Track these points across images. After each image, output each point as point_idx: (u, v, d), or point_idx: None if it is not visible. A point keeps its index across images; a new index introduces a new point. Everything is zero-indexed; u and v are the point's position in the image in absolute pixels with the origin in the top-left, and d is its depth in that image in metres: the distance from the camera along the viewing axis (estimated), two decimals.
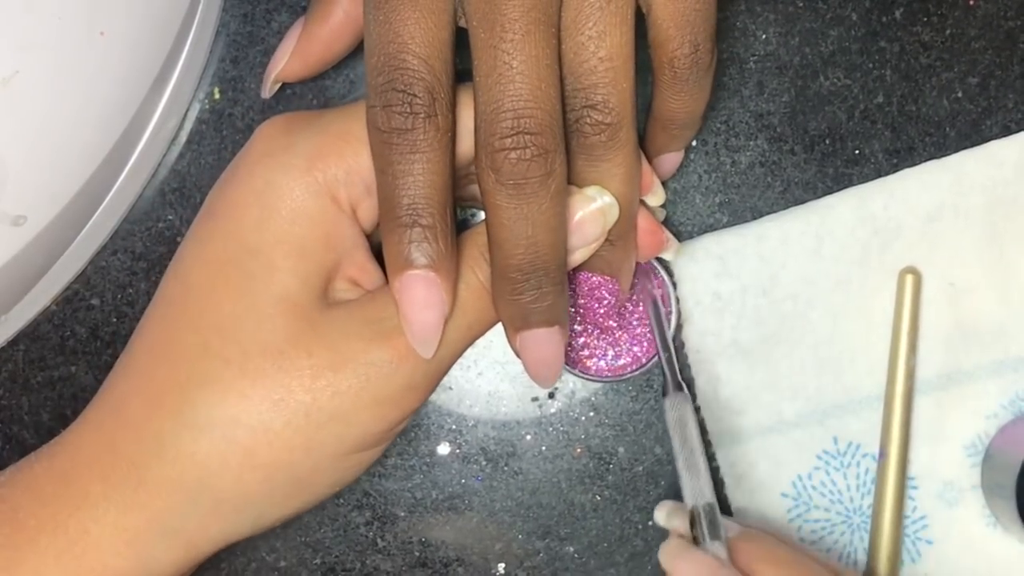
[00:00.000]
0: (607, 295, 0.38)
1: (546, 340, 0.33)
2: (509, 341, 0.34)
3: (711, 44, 0.33)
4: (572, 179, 0.33)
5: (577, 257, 0.34)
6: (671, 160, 0.39)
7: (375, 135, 0.31)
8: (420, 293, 0.32)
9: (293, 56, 0.36)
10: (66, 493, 0.32)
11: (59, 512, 0.32)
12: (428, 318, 0.32)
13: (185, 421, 0.32)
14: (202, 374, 0.32)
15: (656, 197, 0.36)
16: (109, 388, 0.34)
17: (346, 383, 0.32)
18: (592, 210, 0.33)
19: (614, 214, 0.34)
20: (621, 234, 0.35)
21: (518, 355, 0.34)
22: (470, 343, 0.35)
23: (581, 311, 0.40)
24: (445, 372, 0.34)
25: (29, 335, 0.41)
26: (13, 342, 0.41)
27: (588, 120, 0.32)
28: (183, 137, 0.42)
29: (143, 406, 0.33)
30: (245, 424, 0.32)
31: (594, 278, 0.37)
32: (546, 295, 0.33)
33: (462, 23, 0.32)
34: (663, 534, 0.42)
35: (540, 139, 0.31)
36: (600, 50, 0.32)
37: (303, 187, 0.33)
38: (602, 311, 0.40)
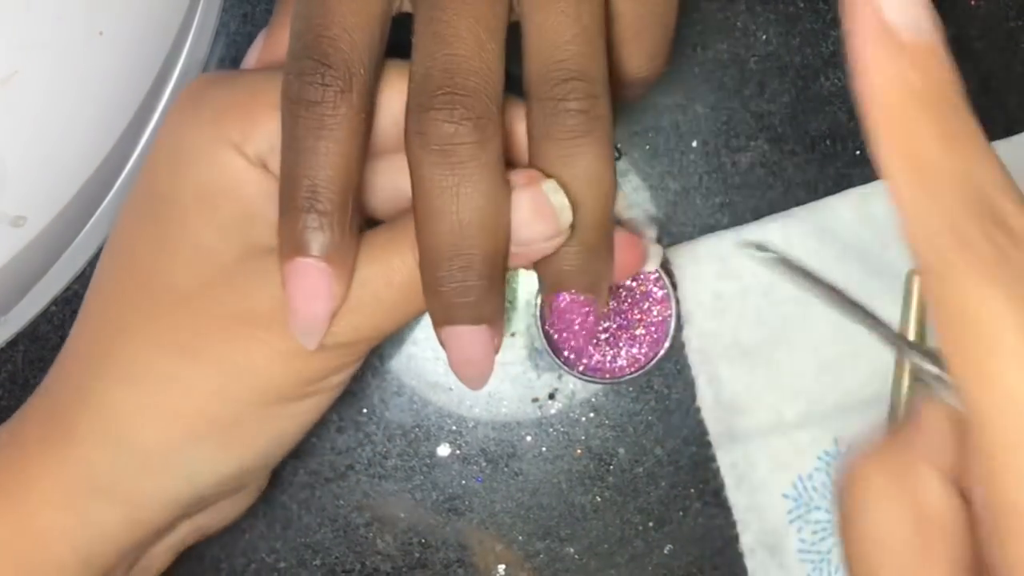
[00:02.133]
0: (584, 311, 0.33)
1: (470, 339, 0.30)
2: (436, 337, 0.31)
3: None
4: (543, 168, 0.30)
5: (519, 259, 0.31)
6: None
7: (285, 104, 0.29)
8: (308, 283, 0.30)
9: (259, 64, 0.35)
10: (12, 457, 0.32)
11: (6, 477, 0.32)
12: (313, 310, 0.30)
13: (106, 372, 0.32)
14: (118, 323, 0.32)
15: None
16: (61, 351, 0.34)
17: (257, 335, 0.31)
18: (544, 202, 0.30)
19: (567, 218, 0.30)
20: (596, 241, 0.31)
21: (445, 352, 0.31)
22: (373, 336, 0.32)
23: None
24: (364, 345, 0.32)
25: (29, 336, 0.41)
26: (13, 343, 0.41)
27: (574, 93, 0.29)
28: None
29: (75, 361, 0.33)
30: (159, 373, 0.31)
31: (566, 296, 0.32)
32: (471, 289, 0.29)
33: (407, 8, 0.30)
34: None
35: (473, 101, 0.28)
36: (577, 23, 0.29)
37: (209, 139, 0.31)
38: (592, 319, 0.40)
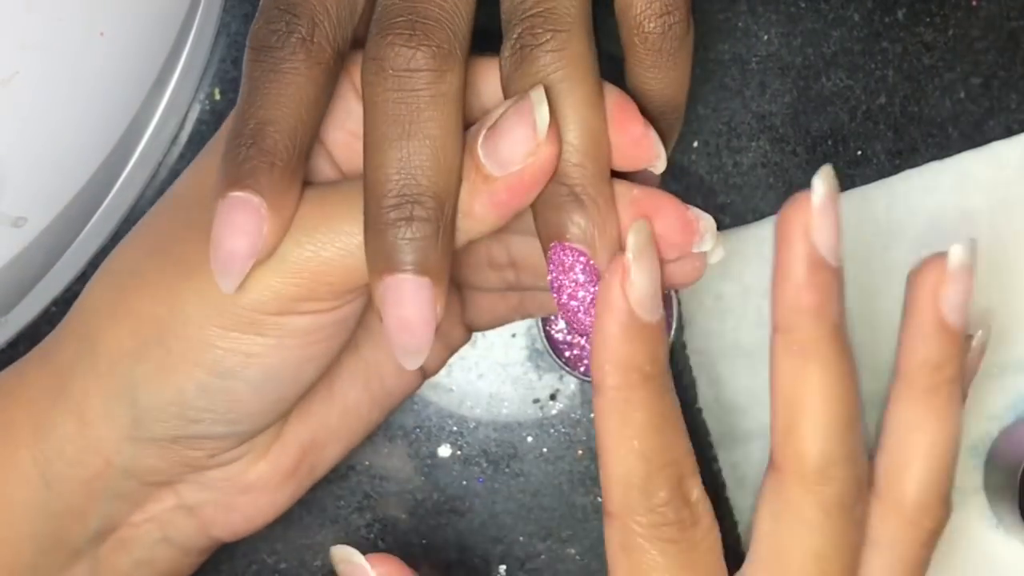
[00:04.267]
0: (582, 276, 0.29)
1: (411, 294, 0.28)
2: (372, 293, 0.28)
3: (685, 9, 0.30)
4: None
5: (514, 179, 0.28)
6: (647, 179, 0.34)
7: (248, 51, 0.29)
8: (237, 217, 0.28)
9: None
10: (17, 366, 0.34)
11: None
12: (236, 247, 0.28)
13: (98, 273, 0.32)
14: (132, 232, 0.33)
15: (660, 163, 0.30)
16: None
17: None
18: (527, 108, 0.27)
19: (544, 114, 0.27)
20: (589, 183, 0.28)
21: (380, 314, 0.28)
22: (303, 288, 0.29)
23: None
24: (311, 283, 0.29)
25: (29, 336, 0.41)
26: (13, 343, 0.41)
27: (531, 30, 0.28)
28: (183, 138, 0.42)
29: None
30: (126, 269, 0.31)
31: (567, 256, 0.29)
32: (416, 227, 0.27)
33: None
34: None
35: (434, 28, 0.27)
36: None
37: None
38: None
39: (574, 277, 0.29)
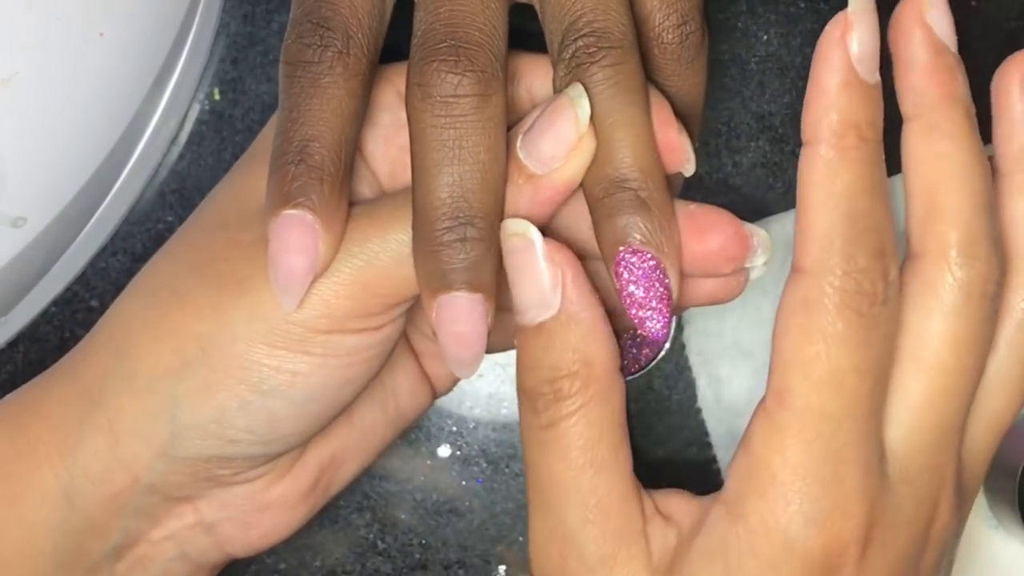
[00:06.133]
0: (653, 280, 0.29)
1: (466, 310, 0.28)
2: (425, 311, 0.29)
3: (700, 18, 0.31)
4: None
5: (557, 176, 0.28)
6: (674, 181, 0.34)
7: (283, 67, 0.29)
8: (292, 236, 0.28)
9: None
10: (48, 375, 0.33)
11: (27, 392, 0.33)
12: (295, 264, 0.28)
13: (132, 287, 0.32)
14: (166, 247, 0.32)
15: (690, 166, 0.31)
16: None
17: (263, 258, 0.29)
18: (567, 104, 0.28)
19: (585, 107, 0.28)
20: (654, 189, 0.29)
21: (434, 330, 0.29)
22: (358, 308, 0.30)
23: None
24: (358, 318, 0.30)
25: (28, 336, 0.41)
26: (13, 344, 0.41)
27: (586, 49, 0.28)
28: (183, 138, 0.42)
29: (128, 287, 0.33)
30: (165, 286, 0.31)
31: (635, 261, 0.29)
32: (471, 247, 0.28)
33: None
34: None
35: (477, 54, 0.28)
36: None
37: None
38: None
39: (644, 283, 0.29)
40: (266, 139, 0.32)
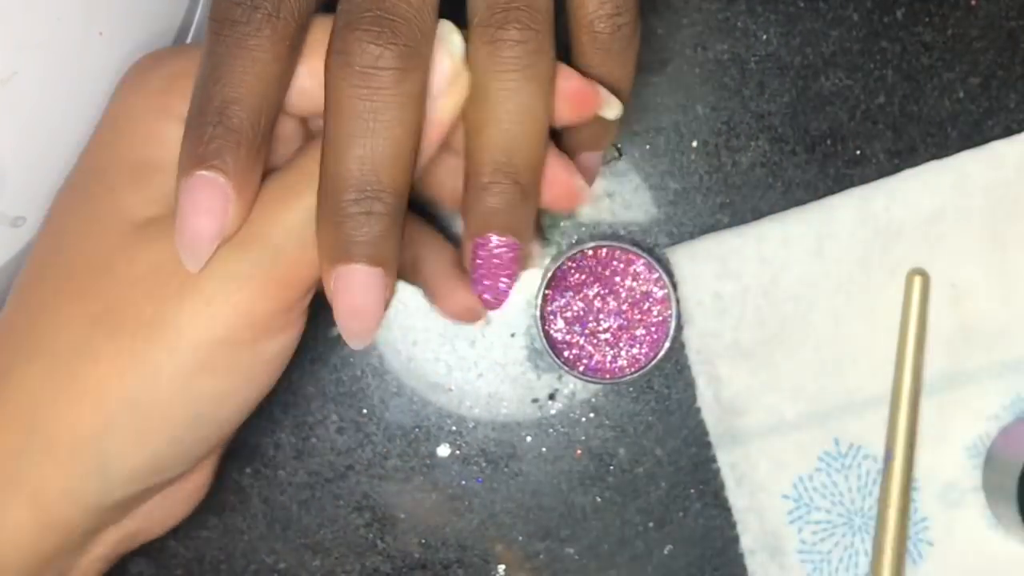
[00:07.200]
0: (506, 263, 0.30)
1: (364, 283, 0.28)
2: (323, 281, 0.29)
3: (635, 11, 0.30)
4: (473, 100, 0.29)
5: (437, 115, 0.28)
6: (589, 160, 0.35)
7: (210, 24, 0.28)
8: (203, 197, 0.28)
9: None
10: None
11: None
12: (203, 226, 0.28)
13: (27, 349, 0.30)
14: (45, 299, 0.30)
15: (612, 108, 0.31)
16: None
17: (167, 289, 0.29)
18: (443, 41, 0.28)
19: (459, 46, 0.28)
20: (526, 180, 0.29)
21: (330, 300, 0.29)
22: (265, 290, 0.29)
23: (579, 312, 0.40)
24: (270, 311, 0.29)
25: None
26: None
27: (505, 22, 0.28)
28: None
29: (2, 343, 0.31)
30: (76, 347, 0.29)
31: (496, 246, 0.30)
32: (375, 221, 0.28)
33: None
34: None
35: (402, 27, 0.27)
36: None
37: (154, 109, 0.30)
38: (601, 314, 0.40)
39: (496, 268, 0.30)
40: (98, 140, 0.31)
